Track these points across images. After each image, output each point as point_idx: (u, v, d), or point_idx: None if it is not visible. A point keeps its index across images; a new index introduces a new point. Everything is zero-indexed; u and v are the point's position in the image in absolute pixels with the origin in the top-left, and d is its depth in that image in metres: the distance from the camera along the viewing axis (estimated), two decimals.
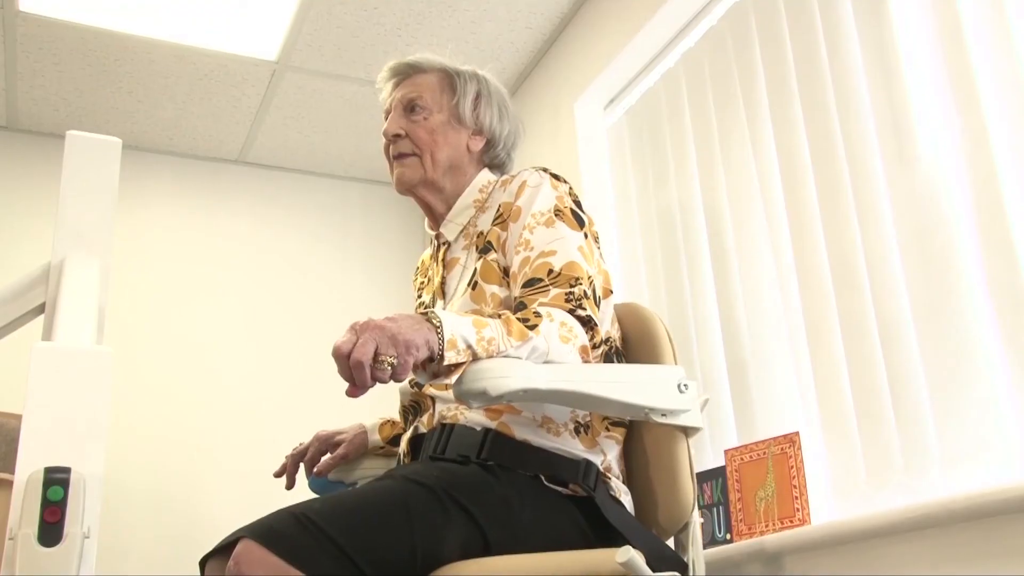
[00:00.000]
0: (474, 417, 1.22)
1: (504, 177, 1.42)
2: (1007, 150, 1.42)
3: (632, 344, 1.35)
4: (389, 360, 1.00)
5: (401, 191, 1.44)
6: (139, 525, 2.72)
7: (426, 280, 1.51)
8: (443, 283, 1.40)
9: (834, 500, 1.64)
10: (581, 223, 1.31)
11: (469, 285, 1.32)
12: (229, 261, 3.13)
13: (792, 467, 1.64)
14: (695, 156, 2.13)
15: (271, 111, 2.97)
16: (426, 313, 1.05)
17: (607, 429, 1.26)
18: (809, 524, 1.59)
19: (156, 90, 2.83)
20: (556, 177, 1.36)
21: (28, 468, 0.85)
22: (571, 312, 1.19)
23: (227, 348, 3.03)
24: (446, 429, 1.25)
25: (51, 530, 0.80)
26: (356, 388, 1.03)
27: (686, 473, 1.22)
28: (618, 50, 2.36)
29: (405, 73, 1.46)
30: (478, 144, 1.44)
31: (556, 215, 1.29)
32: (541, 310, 1.15)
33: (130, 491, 2.72)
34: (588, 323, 1.20)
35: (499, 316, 1.11)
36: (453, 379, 1.04)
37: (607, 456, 1.24)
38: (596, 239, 1.35)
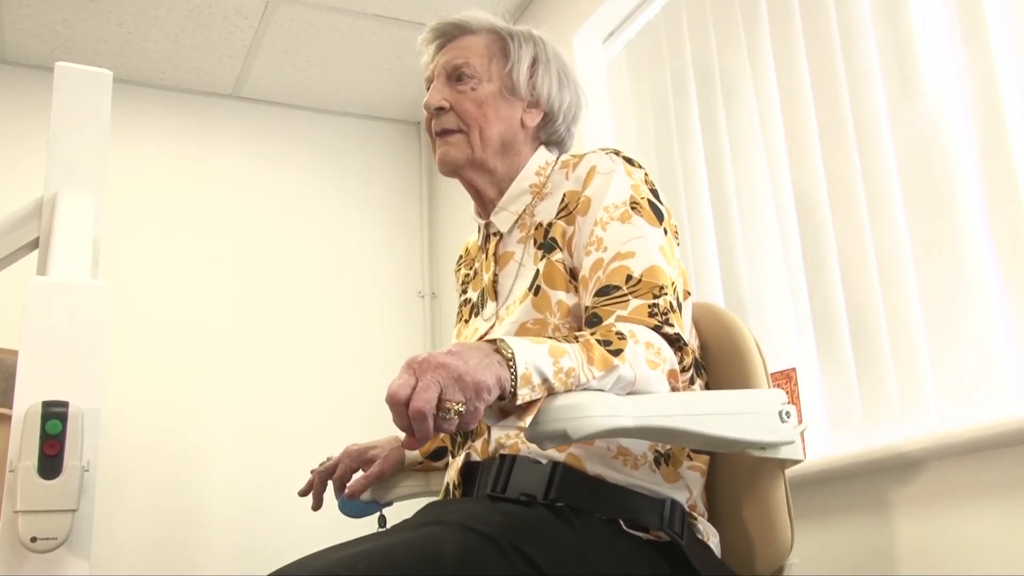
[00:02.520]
0: (537, 447, 1.03)
1: (565, 157, 1.26)
2: (1014, 86, 1.40)
3: (712, 353, 1.18)
4: (456, 408, 0.83)
5: (445, 172, 1.25)
6: (137, 458, 2.75)
7: (472, 273, 1.34)
8: (495, 281, 1.23)
9: (830, 436, 1.65)
10: (660, 217, 1.13)
11: (531, 290, 1.14)
12: (223, 197, 3.11)
13: None
14: (695, 91, 2.10)
15: (265, 44, 2.92)
16: (495, 342, 0.89)
17: (689, 458, 1.10)
18: (805, 459, 1.60)
19: (147, 21, 2.77)
20: (630, 161, 1.17)
21: (26, 402, 0.85)
22: (656, 329, 1.03)
23: (221, 283, 3.03)
24: (505, 462, 1.08)
25: (51, 463, 0.80)
26: (415, 440, 0.85)
27: (783, 511, 1.09)
28: None
29: (450, 35, 1.27)
30: (534, 118, 1.25)
31: (633, 208, 1.11)
32: (623, 328, 0.99)
33: (127, 424, 2.74)
34: (677, 342, 1.05)
35: (576, 338, 0.95)
36: (526, 422, 0.88)
37: (692, 492, 1.09)
38: (676, 233, 1.17)
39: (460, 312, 1.34)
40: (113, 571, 2.63)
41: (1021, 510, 1.28)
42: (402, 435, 1.29)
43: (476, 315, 1.27)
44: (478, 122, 1.22)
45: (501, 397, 0.87)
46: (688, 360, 1.08)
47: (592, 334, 0.97)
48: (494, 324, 1.19)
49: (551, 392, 0.89)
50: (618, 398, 0.91)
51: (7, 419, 0.88)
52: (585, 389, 0.90)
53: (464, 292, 1.35)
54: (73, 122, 1.23)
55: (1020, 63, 1.40)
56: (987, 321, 1.40)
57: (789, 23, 1.82)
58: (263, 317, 3.05)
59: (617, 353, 0.94)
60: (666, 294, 1.06)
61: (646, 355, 0.97)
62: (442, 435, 1.33)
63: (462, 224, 3.14)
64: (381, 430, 3.35)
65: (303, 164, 3.27)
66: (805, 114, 1.76)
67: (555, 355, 0.90)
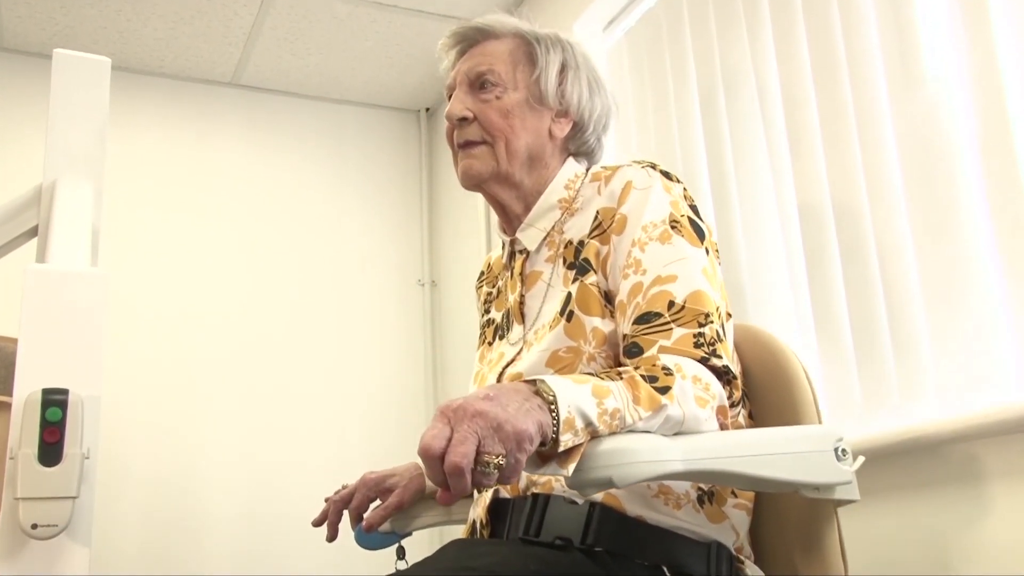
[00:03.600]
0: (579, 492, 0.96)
1: (595, 169, 1.18)
2: (1015, 74, 1.39)
3: (755, 380, 1.11)
4: (496, 461, 0.76)
5: (468, 186, 1.18)
6: (137, 447, 2.75)
7: (495, 292, 1.27)
8: (521, 303, 1.16)
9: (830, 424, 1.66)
10: (702, 236, 1.06)
11: (563, 315, 1.06)
12: (222, 186, 3.10)
13: None
14: (695, 79, 2.09)
15: (265, 32, 2.91)
16: (534, 383, 0.83)
17: (734, 495, 1.03)
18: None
19: (145, 9, 2.76)
20: (668, 175, 1.10)
21: (26, 389, 0.85)
22: (703, 361, 0.96)
23: (221, 272, 3.03)
24: (538, 501, 1.01)
25: (51, 450, 0.80)
26: (451, 496, 0.78)
27: (836, 555, 1.02)
28: None
29: (472, 39, 1.21)
30: (563, 128, 1.18)
31: (673, 227, 1.04)
32: (669, 362, 0.93)
33: (126, 413, 2.74)
34: (725, 375, 0.98)
35: (619, 374, 0.89)
36: (569, 469, 0.81)
37: (739, 533, 1.03)
38: (717, 252, 1.10)
39: (483, 334, 1.27)
40: (114, 558, 2.64)
41: (1018, 499, 1.28)
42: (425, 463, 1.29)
43: (501, 338, 1.20)
44: (504, 133, 1.14)
45: (542, 443, 0.81)
46: (737, 395, 1.01)
47: (636, 368, 0.91)
48: (521, 349, 1.13)
49: (595, 435, 0.83)
50: (666, 440, 0.86)
51: (7, 407, 0.88)
52: (631, 431, 0.85)
53: (487, 312, 1.27)
54: (72, 109, 1.23)
55: (1022, 51, 1.39)
56: (987, 309, 1.40)
57: (790, 11, 1.81)
58: (262, 305, 3.05)
59: (664, 391, 0.88)
60: (712, 322, 0.98)
61: (694, 391, 0.91)
62: None
63: (462, 213, 3.13)
64: (379, 415, 3.36)
65: (303, 152, 3.26)
66: (806, 103, 1.76)
67: (599, 395, 0.84)
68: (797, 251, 1.76)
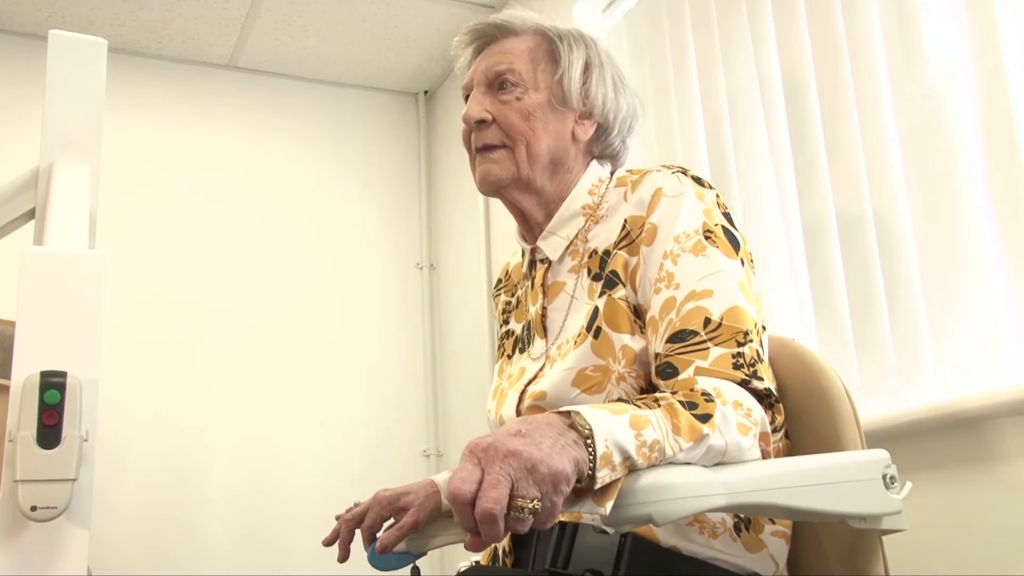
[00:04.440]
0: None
1: (620, 173, 1.13)
2: (1018, 57, 1.39)
3: (791, 398, 1.04)
4: (531, 505, 0.70)
5: (487, 192, 1.12)
6: (136, 430, 2.76)
7: (514, 301, 1.21)
8: (543, 315, 1.11)
9: None
10: (737, 246, 1.00)
11: (589, 331, 1.01)
12: (220, 169, 3.09)
13: None
14: (695, 61, 2.08)
15: (262, 13, 2.89)
16: (569, 415, 0.78)
17: (771, 522, 0.99)
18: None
19: None
20: (699, 181, 1.03)
21: (24, 372, 0.85)
22: (744, 384, 0.90)
23: (219, 255, 3.02)
24: (566, 530, 0.98)
25: (50, 433, 0.80)
26: (482, 543, 0.72)
27: None
28: None
29: (490, 36, 1.15)
30: (587, 131, 1.12)
31: (707, 237, 0.98)
32: (708, 386, 0.87)
33: (125, 396, 2.74)
34: (767, 398, 0.93)
35: (656, 400, 0.85)
36: (607, 508, 0.76)
37: (778, 563, 0.98)
38: (752, 262, 1.04)
39: (501, 346, 1.24)
40: (114, 541, 2.65)
41: (1015, 481, 1.28)
42: (436, 477, 1.24)
43: (521, 351, 1.16)
44: (524, 136, 1.08)
45: (578, 480, 0.75)
46: (780, 419, 0.96)
47: (673, 393, 0.86)
48: (544, 365, 1.08)
49: (632, 468, 0.78)
50: (707, 473, 0.81)
51: (5, 390, 0.88)
52: (671, 462, 0.80)
53: (506, 323, 1.22)
54: (68, 91, 1.22)
55: None
56: (986, 292, 1.40)
57: None
58: (261, 288, 3.05)
59: (705, 419, 0.82)
60: (751, 340, 0.93)
61: (736, 418, 0.85)
62: None
63: (461, 196, 3.13)
64: (378, 398, 3.36)
65: (301, 135, 3.25)
66: (806, 83, 1.75)
67: (637, 426, 0.79)
68: (796, 234, 1.76)
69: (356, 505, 1.27)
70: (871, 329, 1.58)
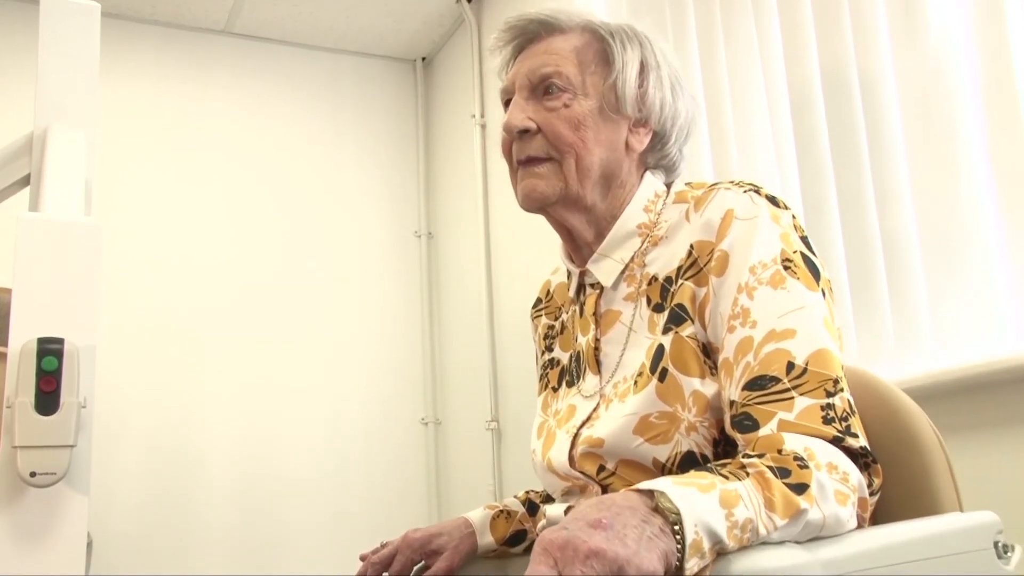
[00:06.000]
0: None
1: (679, 187, 1.02)
2: (1021, 25, 1.38)
3: (869, 441, 0.89)
4: None
5: (530, 209, 1.00)
6: (133, 398, 2.77)
7: (558, 326, 1.11)
8: (597, 348, 1.00)
9: None
10: (817, 275, 0.89)
11: (654, 373, 0.90)
12: (215, 136, 3.08)
13: None
14: (694, 26, 2.06)
15: None
16: (652, 495, 0.68)
17: None
18: None
19: None
20: (773, 201, 0.92)
21: (21, 339, 0.85)
22: (836, 441, 0.80)
23: (216, 222, 3.01)
24: None
25: (47, 399, 0.81)
26: None
27: None
28: None
29: (532, 34, 1.03)
30: (642, 140, 1.01)
31: (786, 267, 0.87)
32: (797, 446, 0.77)
33: (122, 364, 2.75)
34: (863, 458, 0.82)
35: (745, 469, 0.75)
36: None
37: None
38: (831, 291, 0.93)
39: (544, 376, 1.12)
40: (112, 506, 2.67)
41: (1013, 447, 1.29)
42: (471, 515, 1.15)
43: (569, 385, 1.05)
44: (574, 148, 0.97)
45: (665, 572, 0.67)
46: (878, 482, 0.84)
47: (760, 455, 0.77)
48: (598, 405, 0.98)
49: (722, 551, 0.69)
50: (803, 553, 0.73)
51: (3, 357, 0.88)
52: (764, 542, 0.71)
53: (549, 349, 1.11)
54: (62, 56, 1.21)
55: None
56: (986, 261, 1.40)
57: None
58: (258, 255, 3.04)
59: (801, 490, 0.73)
60: (842, 390, 0.83)
61: (833, 485, 0.76)
62: (520, 515, 1.16)
63: (459, 164, 3.11)
64: (376, 366, 3.37)
65: (298, 102, 3.23)
66: (807, 50, 1.74)
67: (727, 504, 0.70)
68: (795, 202, 1.76)
69: (383, 545, 1.16)
70: (869, 295, 1.58)
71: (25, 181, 1.19)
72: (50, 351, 0.83)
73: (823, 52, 1.70)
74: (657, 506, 0.68)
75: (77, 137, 1.17)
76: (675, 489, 0.69)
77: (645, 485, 0.70)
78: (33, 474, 0.80)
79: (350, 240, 3.18)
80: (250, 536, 2.83)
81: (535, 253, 2.61)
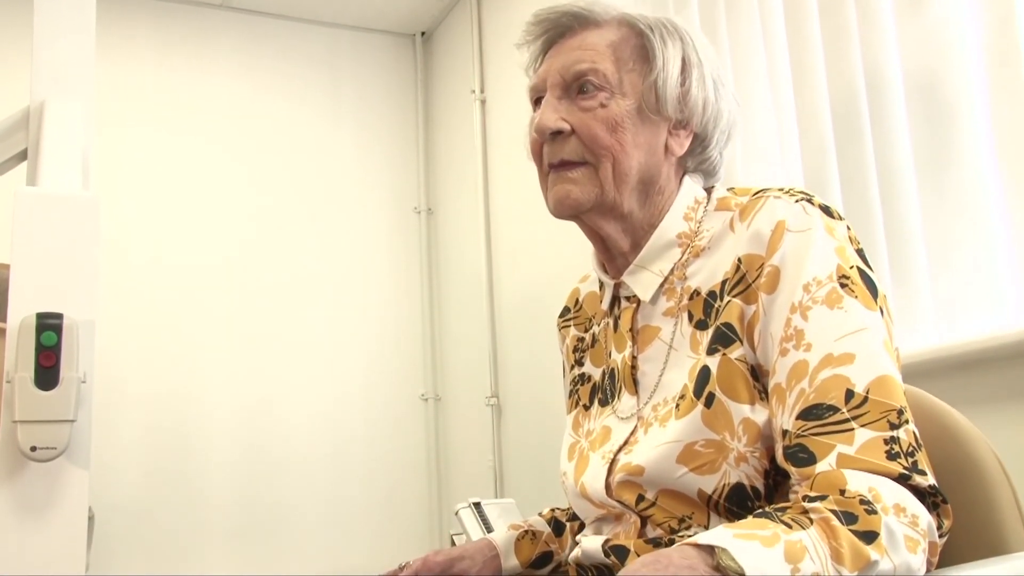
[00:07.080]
0: None
1: (722, 194, 0.95)
2: None
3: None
4: None
5: (562, 216, 0.94)
6: (133, 373, 2.77)
7: (588, 339, 1.05)
8: (634, 367, 0.93)
9: None
10: (875, 292, 0.82)
11: (699, 398, 0.84)
12: (213, 111, 3.06)
13: None
14: (697, 6, 2.05)
15: None
16: (712, 552, 0.64)
17: None
18: None
19: None
20: (827, 211, 0.85)
21: (20, 314, 0.85)
22: (903, 479, 0.73)
23: (214, 196, 3.01)
24: None
25: (47, 374, 0.81)
26: None
27: None
28: None
29: (565, 28, 0.95)
30: (683, 143, 0.94)
31: (842, 285, 0.80)
32: (862, 486, 0.71)
33: (121, 339, 2.75)
34: (931, 497, 0.75)
35: (808, 515, 0.69)
36: None
37: None
38: (889, 309, 0.85)
39: (574, 392, 1.06)
40: (113, 481, 2.68)
41: (1014, 420, 1.29)
42: (494, 536, 1.11)
43: (603, 404, 0.99)
44: (611, 151, 0.90)
45: None
46: (948, 524, 0.76)
47: (823, 499, 0.71)
48: (636, 427, 0.92)
49: None
50: None
51: (2, 332, 0.88)
52: None
53: (579, 364, 1.05)
54: (57, 29, 1.20)
55: None
56: (987, 237, 1.40)
57: None
58: (256, 230, 3.04)
59: (871, 539, 0.67)
60: (907, 421, 0.76)
61: (902, 530, 0.69)
62: (546, 536, 1.13)
63: (458, 139, 3.10)
64: (375, 341, 3.37)
65: (297, 77, 3.21)
66: (809, 28, 1.72)
67: (793, 559, 0.64)
68: (797, 178, 1.75)
69: (402, 567, 1.10)
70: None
71: (22, 156, 1.18)
72: (49, 326, 0.83)
73: (825, 26, 1.69)
74: (718, 565, 0.63)
75: (74, 109, 1.16)
76: (736, 544, 0.64)
77: (704, 539, 0.66)
78: (33, 448, 0.80)
79: (349, 216, 3.18)
80: (251, 510, 2.85)
81: (535, 229, 2.61)
